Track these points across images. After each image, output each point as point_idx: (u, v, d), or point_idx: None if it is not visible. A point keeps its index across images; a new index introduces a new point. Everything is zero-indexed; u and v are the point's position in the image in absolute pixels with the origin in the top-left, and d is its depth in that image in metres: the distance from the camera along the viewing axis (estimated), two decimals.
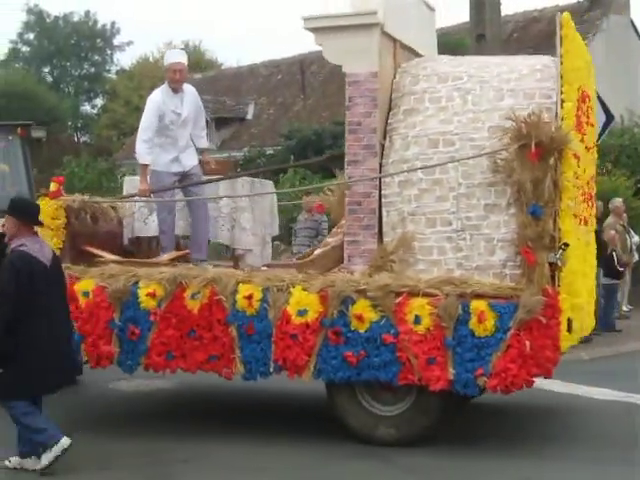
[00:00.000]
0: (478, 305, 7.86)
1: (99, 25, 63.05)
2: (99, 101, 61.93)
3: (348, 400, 8.47)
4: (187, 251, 9.98)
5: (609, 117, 16.91)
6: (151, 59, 57.30)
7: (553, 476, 7.84)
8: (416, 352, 7.97)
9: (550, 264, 7.91)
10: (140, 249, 10.56)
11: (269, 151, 30.03)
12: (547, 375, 8.08)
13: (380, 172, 8.73)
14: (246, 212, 10.31)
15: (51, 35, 61.18)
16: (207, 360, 8.56)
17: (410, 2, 9.63)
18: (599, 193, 18.57)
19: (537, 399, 11.19)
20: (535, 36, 30.03)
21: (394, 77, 9.12)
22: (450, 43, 25.59)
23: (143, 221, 10.49)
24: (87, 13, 62.37)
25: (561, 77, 8.15)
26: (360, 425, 8.46)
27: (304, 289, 8.30)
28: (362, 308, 8.12)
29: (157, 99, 10.08)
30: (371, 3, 8.74)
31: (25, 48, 62.61)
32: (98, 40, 62.98)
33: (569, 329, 8.01)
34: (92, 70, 63.50)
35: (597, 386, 11.87)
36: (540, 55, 9.58)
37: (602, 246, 16.04)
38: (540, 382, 11.92)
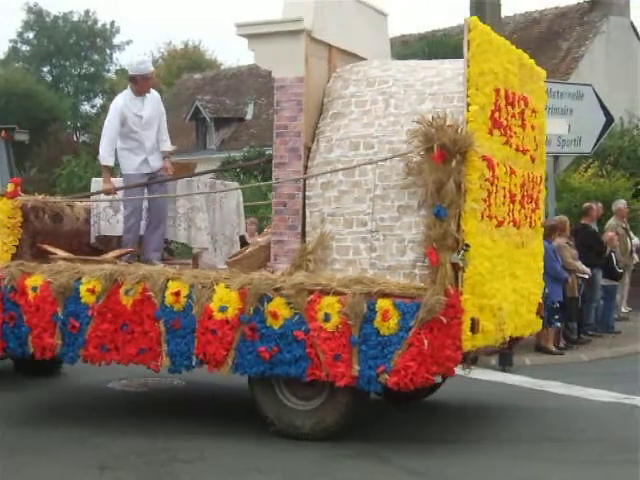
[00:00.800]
0: (383, 304, 8.02)
1: (99, 24, 63.11)
2: (98, 100, 62.08)
3: (267, 394, 8.76)
4: (131, 249, 10.38)
5: (608, 119, 16.93)
6: (151, 59, 57.27)
7: (553, 478, 7.84)
8: (324, 349, 8.19)
9: (454, 265, 8.03)
10: (109, 247, 10.89)
11: (268, 151, 30.02)
12: (449, 374, 8.22)
13: (305, 174, 8.99)
14: (201, 212, 10.63)
15: (51, 34, 61.27)
16: (137, 353, 8.94)
17: (351, 8, 9.80)
18: (598, 195, 18.81)
19: (537, 400, 11.23)
20: (535, 37, 30.00)
21: (328, 82, 9.36)
22: (451, 44, 25.66)
23: (108, 221, 10.94)
24: (87, 12, 62.45)
25: (467, 81, 8.24)
26: (278, 419, 8.73)
27: (226, 286, 8.60)
28: (277, 305, 8.38)
29: (119, 103, 10.50)
30: (300, 10, 8.99)
31: (25, 47, 62.73)
32: (98, 39, 63.06)
33: (473, 329, 8.10)
34: (92, 69, 63.60)
35: (596, 388, 11.89)
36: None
37: (602, 247, 16.11)
38: (540, 383, 12.08)
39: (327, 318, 8.19)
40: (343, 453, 8.29)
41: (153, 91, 10.76)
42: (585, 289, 15.62)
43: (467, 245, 8.01)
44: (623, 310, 18.52)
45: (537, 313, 10.07)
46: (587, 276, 15.32)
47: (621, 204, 17.88)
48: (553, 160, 16.30)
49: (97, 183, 11.36)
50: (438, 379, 8.59)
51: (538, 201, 9.98)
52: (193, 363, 8.74)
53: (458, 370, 12.90)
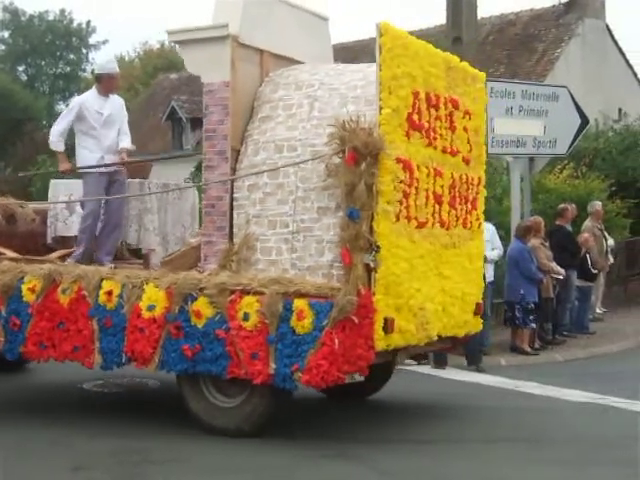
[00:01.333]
0: (299, 304, 8.20)
1: (74, 24, 62.81)
2: None
3: (193, 391, 8.96)
4: (73, 249, 10.62)
5: (584, 120, 17.00)
6: (127, 58, 57.13)
7: (528, 478, 7.85)
8: (242, 347, 8.38)
9: (366, 265, 8.19)
10: (67, 247, 11.08)
11: None
12: (362, 372, 8.35)
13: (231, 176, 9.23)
14: (150, 214, 10.87)
15: (26, 33, 60.91)
16: (72, 350, 9.22)
17: (286, 14, 10.00)
18: (574, 196, 18.89)
19: (512, 401, 11.26)
20: (511, 39, 30.09)
21: (260, 86, 9.57)
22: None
23: (64, 221, 11.22)
24: (62, 12, 62.13)
25: (379, 84, 8.37)
26: (204, 414, 8.92)
27: (155, 286, 8.83)
28: (201, 305, 8.59)
29: (81, 99, 10.86)
30: (228, 16, 9.21)
31: (0, 46, 62.29)
32: (73, 39, 62.76)
33: (386, 329, 8.25)
34: (67, 69, 63.28)
35: (571, 388, 11.94)
36: None
37: (577, 248, 16.18)
38: (515, 384, 12.12)
39: (246, 317, 8.38)
40: (319, 454, 8.32)
41: (117, 96, 10.98)
42: (560, 290, 15.67)
43: (378, 246, 8.17)
44: (598, 311, 18.58)
45: (476, 313, 10.22)
46: (561, 277, 15.37)
47: (597, 205, 17.95)
48: (529, 161, 16.33)
49: (55, 186, 11.63)
50: (359, 378, 8.73)
51: (476, 202, 10.14)
52: (123, 360, 8.99)
53: (433, 371, 13.06)
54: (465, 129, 9.79)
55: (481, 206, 10.33)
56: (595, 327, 16.90)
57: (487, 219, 14.88)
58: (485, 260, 13.95)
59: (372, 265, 8.17)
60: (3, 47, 62.12)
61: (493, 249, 14.32)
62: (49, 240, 11.27)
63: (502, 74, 26.71)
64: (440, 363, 13.35)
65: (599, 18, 29.78)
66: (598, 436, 9.26)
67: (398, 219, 8.49)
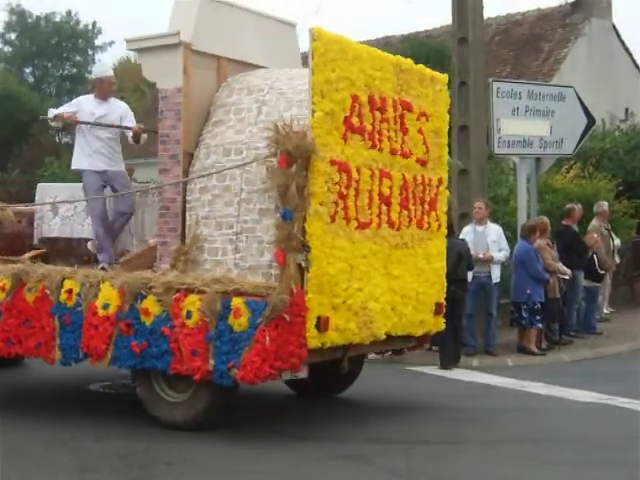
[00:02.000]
0: (236, 302, 8.47)
1: (81, 25, 62.78)
2: None
3: (145, 385, 9.32)
4: (44, 250, 11.18)
5: (590, 120, 16.99)
6: (133, 60, 57.09)
7: (535, 478, 7.86)
8: (185, 344, 8.69)
9: (299, 265, 8.46)
10: (55, 248, 11.52)
11: None
12: (295, 369, 8.57)
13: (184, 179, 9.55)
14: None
15: (33, 35, 60.87)
16: (36, 346, 9.62)
17: (246, 21, 10.29)
18: (580, 196, 18.87)
19: (519, 401, 11.26)
20: (517, 39, 29.97)
21: (217, 91, 9.87)
22: (433, 45, 25.69)
23: (48, 224, 11.57)
24: (69, 13, 62.08)
25: (312, 89, 8.57)
26: (154, 409, 9.28)
27: (110, 285, 9.20)
28: (149, 303, 8.92)
29: (80, 98, 11.36)
30: (183, 24, 9.54)
31: (7, 48, 62.30)
32: (80, 40, 62.68)
33: (320, 327, 8.51)
34: (74, 71, 63.17)
35: (579, 388, 11.95)
36: None
37: (584, 249, 16.16)
38: (522, 384, 12.11)
39: (189, 315, 8.67)
40: (325, 455, 8.41)
41: (120, 101, 11.34)
42: (567, 290, 15.65)
43: (309, 246, 8.42)
44: (605, 311, 18.52)
45: (437, 313, 10.41)
46: (567, 277, 15.34)
47: (604, 206, 17.89)
48: (535, 162, 16.32)
49: (42, 189, 12.01)
50: (302, 375, 8.90)
51: (435, 203, 10.32)
52: (80, 356, 9.37)
53: (439, 371, 13.05)
54: (420, 131, 9.98)
55: (442, 207, 10.50)
56: (602, 327, 16.82)
57: (494, 220, 14.99)
58: (492, 261, 14.05)
59: (304, 265, 8.43)
60: (10, 49, 62.13)
61: (500, 250, 14.34)
62: (35, 241, 11.65)
63: (508, 74, 26.66)
64: (446, 364, 13.35)
65: (605, 18, 29.61)
66: (603, 437, 9.25)
67: (334, 220, 8.71)
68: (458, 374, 13.09)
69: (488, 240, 14.23)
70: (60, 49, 62.07)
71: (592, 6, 29.07)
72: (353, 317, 8.93)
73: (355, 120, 8.97)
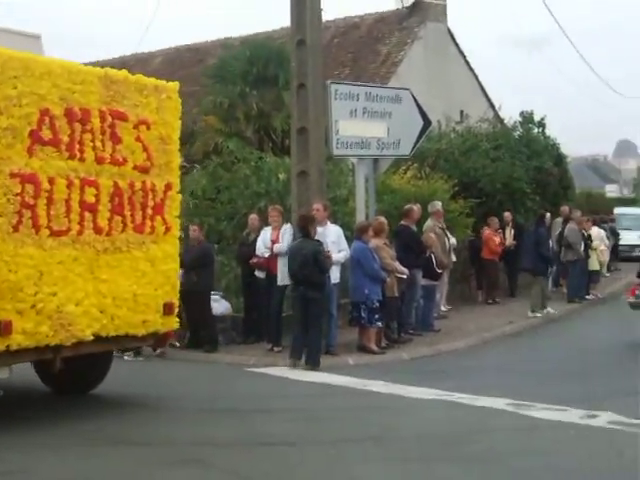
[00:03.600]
0: None
1: None
2: None
3: None
4: None
5: (426, 122, 17.29)
6: None
7: (377, 476, 7.93)
8: None
9: None
10: None
11: None
12: None
13: None
14: None
15: None
16: None
17: None
18: (418, 196, 19.20)
19: (360, 400, 11.37)
20: (355, 42, 30.42)
21: None
22: (273, 47, 25.72)
23: None
24: None
25: None
26: None
27: None
28: None
29: None
30: None
31: None
32: None
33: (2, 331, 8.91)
34: None
35: (418, 385, 12.11)
36: None
37: (422, 248, 16.45)
38: (363, 383, 12.24)
39: None
40: (164, 460, 8.31)
41: None
42: (405, 289, 15.89)
43: None
44: (442, 309, 18.94)
45: (167, 313, 10.74)
46: (405, 276, 15.56)
47: (438, 205, 18.28)
48: (373, 162, 16.51)
49: None
50: (3, 375, 9.45)
51: (162, 208, 10.68)
52: None
53: (281, 372, 13.07)
54: (139, 139, 10.31)
55: (172, 211, 10.84)
56: (440, 325, 17.19)
57: (333, 221, 15.09)
58: (331, 262, 14.14)
59: None
60: None
61: (340, 251, 14.44)
62: None
63: (347, 76, 26.99)
64: (295, 363, 13.44)
65: (441, 21, 30.32)
66: (444, 432, 9.45)
67: (17, 229, 9.07)
68: (300, 375, 13.13)
69: (328, 241, 14.29)
70: None
71: (428, 10, 29.72)
72: (46, 320, 9.28)
73: (46, 133, 9.33)
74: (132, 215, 10.28)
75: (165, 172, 10.69)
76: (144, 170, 10.40)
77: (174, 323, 11.01)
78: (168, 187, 10.74)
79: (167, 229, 10.75)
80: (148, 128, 10.42)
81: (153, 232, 10.55)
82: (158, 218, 10.60)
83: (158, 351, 13.65)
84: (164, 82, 10.83)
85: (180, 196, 11.08)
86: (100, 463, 8.18)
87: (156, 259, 10.56)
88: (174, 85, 10.92)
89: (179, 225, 11.12)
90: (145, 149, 10.40)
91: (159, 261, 10.60)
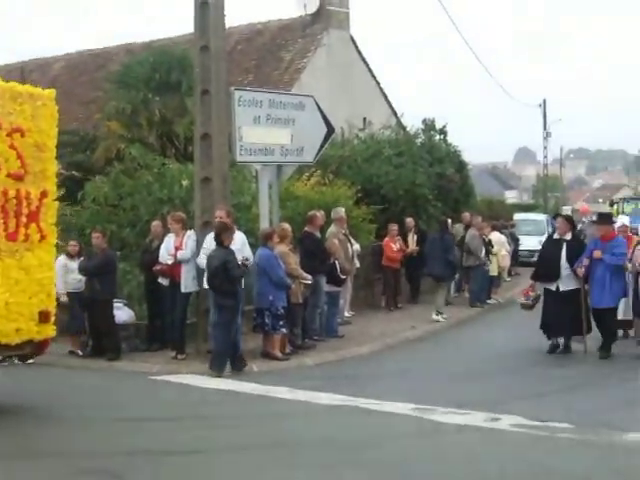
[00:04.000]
0: None
1: None
2: None
3: None
4: None
5: (330, 129, 17.37)
6: None
7: None
8: None
9: None
10: None
11: None
12: None
13: None
14: None
15: None
16: None
17: None
18: (321, 203, 19.27)
19: (265, 406, 11.36)
20: (259, 48, 30.48)
21: None
22: (176, 53, 25.56)
23: None
24: None
25: None
26: None
27: None
28: None
29: None
30: None
31: None
32: None
33: None
34: None
35: (323, 391, 12.14)
36: None
37: (325, 254, 16.51)
38: (268, 389, 12.23)
39: None
40: (72, 471, 8.19)
41: None
42: (309, 295, 15.93)
43: None
44: (346, 314, 19.06)
45: (43, 320, 10.72)
46: (309, 282, 15.61)
47: (340, 212, 18.38)
48: (277, 169, 16.54)
49: None
50: None
51: (36, 215, 10.65)
52: None
53: (185, 379, 13.00)
54: (13, 146, 10.27)
55: (48, 218, 10.83)
56: (344, 330, 17.30)
57: (237, 227, 15.06)
58: (245, 270, 14.12)
59: None
60: None
61: (244, 257, 14.40)
62: None
63: (250, 83, 26.99)
64: (217, 370, 13.46)
65: (344, 29, 30.56)
66: (349, 438, 9.49)
67: None
68: (204, 382, 13.08)
69: (232, 248, 14.26)
70: None
71: (331, 17, 29.88)
72: None
73: None
74: (5, 223, 10.22)
75: (41, 180, 10.66)
76: (18, 178, 10.35)
77: (51, 331, 10.96)
78: (44, 194, 10.69)
79: (42, 237, 10.70)
80: (22, 136, 10.37)
81: (27, 240, 10.50)
82: (33, 226, 10.55)
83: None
84: (40, 90, 10.81)
85: (57, 203, 11.08)
86: (6, 477, 8.04)
87: (31, 267, 10.51)
88: (50, 92, 10.87)
89: (56, 233, 11.11)
90: (19, 157, 10.35)
91: (34, 269, 10.56)
